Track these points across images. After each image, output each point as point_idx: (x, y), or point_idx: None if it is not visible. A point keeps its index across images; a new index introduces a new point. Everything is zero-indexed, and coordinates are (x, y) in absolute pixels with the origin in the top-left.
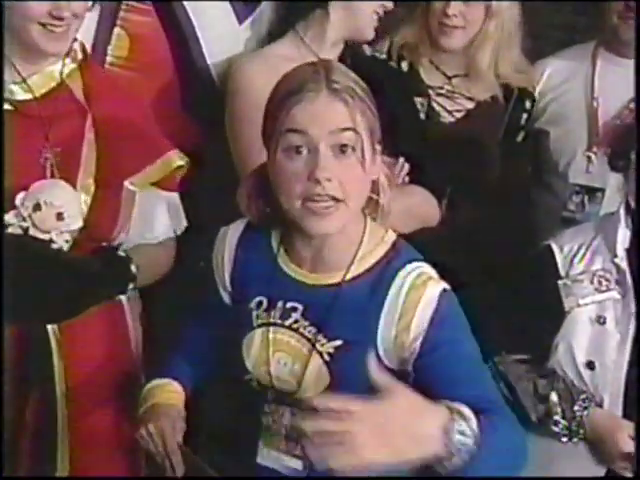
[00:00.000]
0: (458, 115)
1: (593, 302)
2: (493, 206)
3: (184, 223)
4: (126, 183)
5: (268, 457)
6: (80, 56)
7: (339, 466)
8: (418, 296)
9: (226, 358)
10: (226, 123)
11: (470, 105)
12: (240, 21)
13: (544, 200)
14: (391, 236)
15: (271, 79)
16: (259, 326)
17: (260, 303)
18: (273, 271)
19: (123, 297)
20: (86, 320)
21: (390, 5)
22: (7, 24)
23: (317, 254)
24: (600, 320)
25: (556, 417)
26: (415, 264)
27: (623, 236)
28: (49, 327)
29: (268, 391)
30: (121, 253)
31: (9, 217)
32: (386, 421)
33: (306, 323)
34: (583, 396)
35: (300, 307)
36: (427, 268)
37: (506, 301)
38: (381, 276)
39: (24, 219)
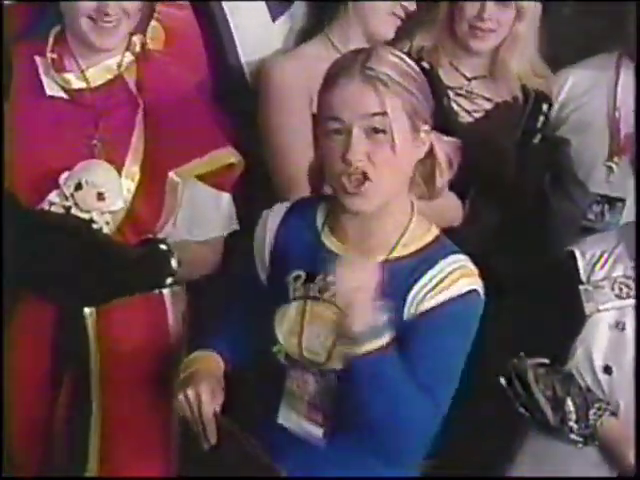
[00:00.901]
0: (477, 115)
1: (613, 308)
2: (510, 208)
3: (235, 225)
4: (171, 174)
5: (289, 419)
6: (138, 49)
7: None
8: (447, 285)
9: (259, 329)
10: (260, 121)
11: (488, 106)
12: (274, 18)
13: (564, 208)
14: (435, 229)
15: (303, 77)
16: (295, 299)
17: (298, 277)
18: (315, 247)
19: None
20: (125, 306)
21: (411, 7)
22: (65, 18)
23: (363, 234)
24: (619, 326)
25: (571, 423)
26: (458, 256)
27: None
28: (86, 310)
29: (295, 360)
30: (163, 246)
31: (52, 196)
32: None
33: None
34: (598, 404)
35: None
36: (469, 263)
37: (528, 304)
38: (422, 260)
39: (66, 198)
